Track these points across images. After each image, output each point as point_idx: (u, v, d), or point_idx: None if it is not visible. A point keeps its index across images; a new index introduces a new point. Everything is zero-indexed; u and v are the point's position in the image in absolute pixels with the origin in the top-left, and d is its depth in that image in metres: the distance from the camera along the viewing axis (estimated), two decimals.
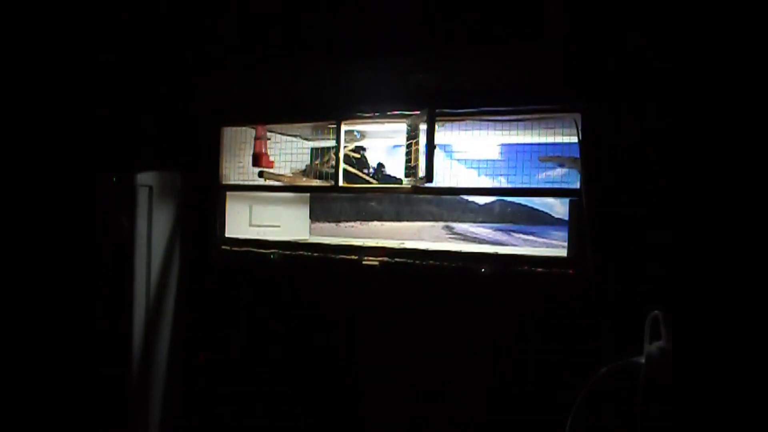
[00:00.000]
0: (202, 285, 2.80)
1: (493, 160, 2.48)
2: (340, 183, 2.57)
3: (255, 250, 2.71)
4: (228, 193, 2.82)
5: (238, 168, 2.86)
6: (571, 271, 2.09)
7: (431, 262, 2.33)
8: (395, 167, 2.98)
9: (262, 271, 2.66)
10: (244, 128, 2.87)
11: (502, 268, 2.20)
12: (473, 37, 2.22)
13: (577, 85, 2.07)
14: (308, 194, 3.29)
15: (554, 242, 3.81)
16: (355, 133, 2.89)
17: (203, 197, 2.82)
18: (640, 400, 1.55)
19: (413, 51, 2.32)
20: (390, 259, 2.41)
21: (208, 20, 2.74)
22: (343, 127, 2.56)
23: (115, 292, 2.59)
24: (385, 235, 3.74)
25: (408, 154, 2.40)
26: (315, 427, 2.54)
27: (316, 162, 2.96)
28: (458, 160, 2.57)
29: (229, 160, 2.85)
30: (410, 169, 2.38)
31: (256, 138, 2.80)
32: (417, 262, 2.35)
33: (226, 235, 2.79)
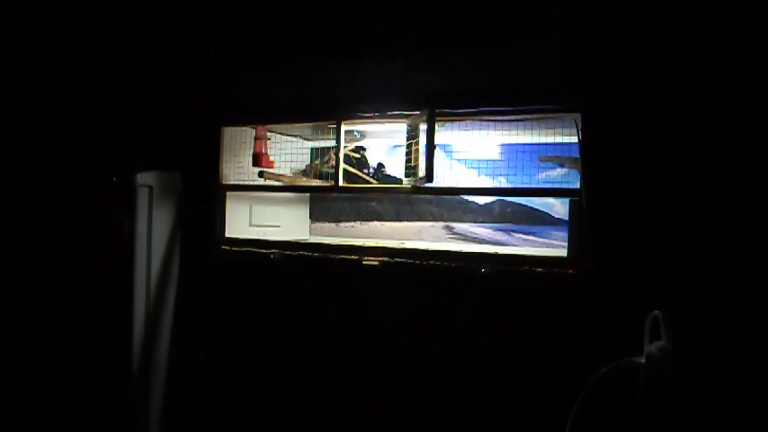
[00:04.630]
0: (202, 285, 2.80)
1: (493, 160, 2.48)
2: (340, 183, 2.57)
3: (255, 250, 2.71)
4: (228, 193, 2.81)
5: (238, 168, 2.86)
6: (571, 271, 2.09)
7: (431, 262, 2.33)
8: (395, 167, 2.98)
9: (262, 271, 2.66)
10: (244, 128, 2.87)
11: (502, 268, 2.20)
12: (473, 37, 2.22)
13: (578, 84, 2.07)
14: (308, 194, 3.29)
15: (554, 242, 3.82)
16: (355, 133, 2.89)
17: (203, 197, 2.82)
18: (640, 400, 1.55)
19: (413, 51, 2.32)
20: (390, 259, 2.41)
21: (209, 20, 2.74)
22: (343, 127, 2.56)
23: (115, 292, 2.59)
24: (385, 235, 3.74)
25: (408, 154, 2.40)
26: (315, 426, 2.54)
27: (316, 162, 2.96)
28: (458, 160, 2.57)
29: (229, 160, 2.85)
30: (410, 169, 2.38)
31: (256, 138, 2.79)
32: (417, 262, 2.35)
33: (226, 235, 2.79)
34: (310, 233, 3.35)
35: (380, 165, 3.12)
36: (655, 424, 1.50)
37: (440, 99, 2.27)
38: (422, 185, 2.32)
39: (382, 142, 3.06)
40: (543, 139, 2.37)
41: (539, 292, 2.13)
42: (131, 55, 2.88)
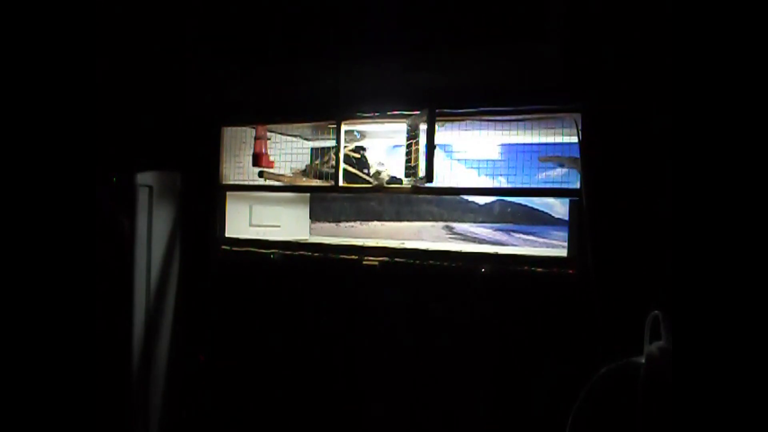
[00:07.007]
0: (202, 285, 2.80)
1: (493, 160, 2.48)
2: (340, 183, 2.57)
3: (255, 250, 2.71)
4: (228, 193, 2.81)
5: (238, 168, 2.86)
6: (571, 271, 2.09)
7: (431, 262, 2.33)
8: (395, 167, 2.97)
9: (262, 271, 2.66)
10: (244, 128, 2.87)
11: (502, 268, 2.20)
12: (473, 37, 2.21)
13: (578, 85, 2.07)
14: (308, 194, 3.29)
15: (554, 242, 3.81)
16: (355, 133, 2.88)
17: (203, 197, 2.82)
18: (640, 400, 1.55)
19: (413, 51, 2.32)
20: (390, 259, 2.41)
21: (209, 19, 2.74)
22: (343, 127, 2.56)
23: (115, 292, 2.59)
24: (385, 235, 3.74)
25: (408, 154, 2.40)
26: (314, 427, 2.54)
27: (316, 162, 2.96)
28: (458, 160, 2.57)
29: (229, 160, 2.85)
30: (410, 169, 2.38)
31: (256, 138, 2.79)
32: (417, 262, 2.35)
33: (226, 235, 2.79)
34: (310, 233, 3.35)
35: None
36: (655, 424, 1.50)
37: (440, 99, 2.27)
38: (422, 185, 2.32)
39: (382, 142, 3.06)
40: (543, 139, 2.37)
41: (539, 292, 2.13)
42: (131, 55, 2.88)
